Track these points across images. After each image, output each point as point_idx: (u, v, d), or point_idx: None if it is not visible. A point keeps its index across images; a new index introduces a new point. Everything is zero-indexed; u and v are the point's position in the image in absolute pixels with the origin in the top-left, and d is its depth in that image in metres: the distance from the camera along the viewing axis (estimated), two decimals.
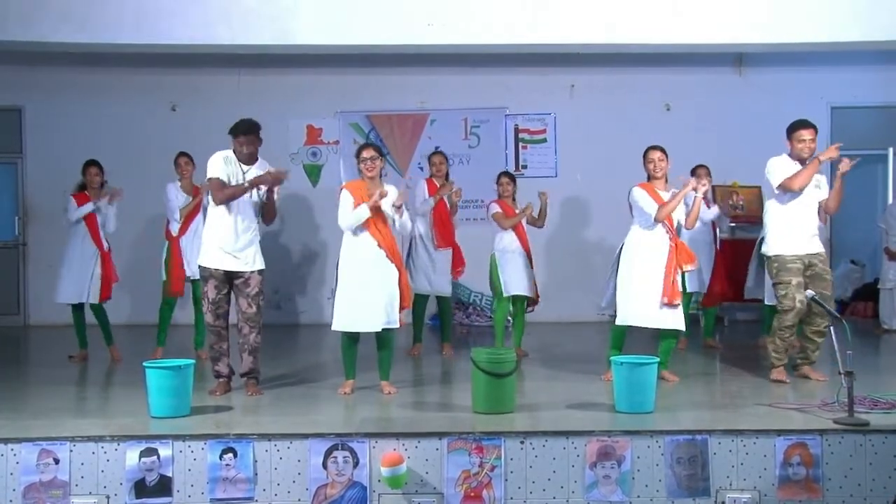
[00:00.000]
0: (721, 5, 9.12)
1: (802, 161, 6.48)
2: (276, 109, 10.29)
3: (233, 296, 6.27)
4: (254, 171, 6.18)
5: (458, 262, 8.21)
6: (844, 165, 6.46)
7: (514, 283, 7.77)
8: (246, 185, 6.08)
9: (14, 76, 10.46)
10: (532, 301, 7.96)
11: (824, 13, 9.06)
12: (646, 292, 6.43)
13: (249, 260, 6.18)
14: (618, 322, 6.60)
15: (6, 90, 10.53)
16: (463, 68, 10.41)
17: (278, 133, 10.37)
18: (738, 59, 10.59)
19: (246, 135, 6.16)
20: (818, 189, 6.59)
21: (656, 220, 6.44)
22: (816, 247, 6.58)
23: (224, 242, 6.13)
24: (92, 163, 7.98)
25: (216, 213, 6.15)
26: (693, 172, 8.20)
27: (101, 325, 7.97)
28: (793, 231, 6.52)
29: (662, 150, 6.58)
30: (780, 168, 6.52)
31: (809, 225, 6.57)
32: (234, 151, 6.19)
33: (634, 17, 9.10)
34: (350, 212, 6.11)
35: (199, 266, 6.24)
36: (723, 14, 9.11)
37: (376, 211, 6.11)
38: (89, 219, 7.86)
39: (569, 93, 10.73)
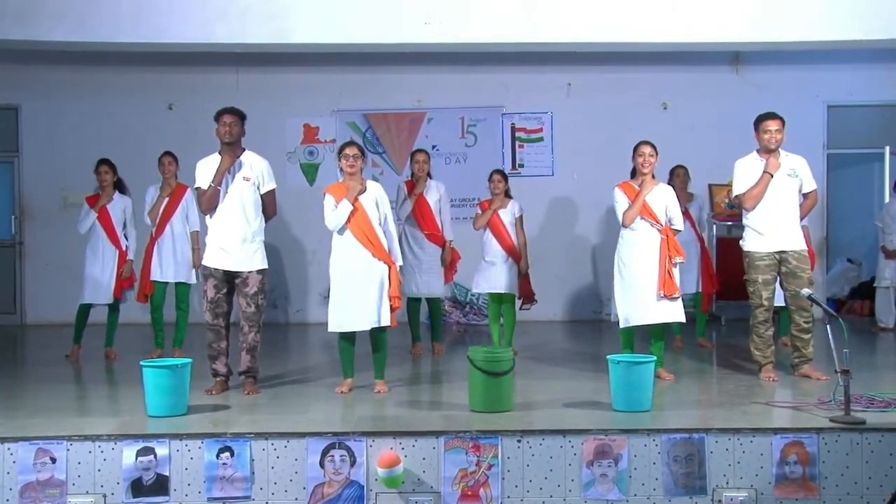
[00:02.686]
0: (718, 4, 9.13)
1: (769, 153, 6.50)
2: (272, 108, 10.29)
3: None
4: (246, 166, 6.19)
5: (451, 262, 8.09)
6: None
7: (482, 280, 7.75)
8: (212, 184, 6.07)
9: (10, 75, 10.45)
10: (526, 300, 7.86)
11: (821, 12, 9.08)
12: (643, 290, 6.45)
13: (248, 259, 6.18)
14: (621, 325, 6.61)
15: (2, 89, 10.52)
16: (460, 67, 10.41)
17: (275, 132, 10.39)
18: (734, 57, 10.59)
19: (227, 114, 6.16)
20: (792, 178, 6.52)
21: (623, 226, 6.56)
22: (792, 244, 6.51)
23: (222, 241, 6.14)
24: (102, 161, 7.97)
25: (215, 214, 6.17)
26: (671, 173, 8.22)
27: (110, 324, 7.99)
28: (764, 227, 6.50)
29: (653, 146, 6.60)
30: (741, 175, 6.57)
31: (784, 220, 6.50)
32: (218, 136, 6.17)
33: (631, 16, 9.11)
34: (332, 212, 6.14)
35: (202, 265, 6.25)
36: (720, 12, 9.12)
37: (357, 210, 6.11)
38: (103, 219, 7.85)
39: (565, 91, 10.73)
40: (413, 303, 8.05)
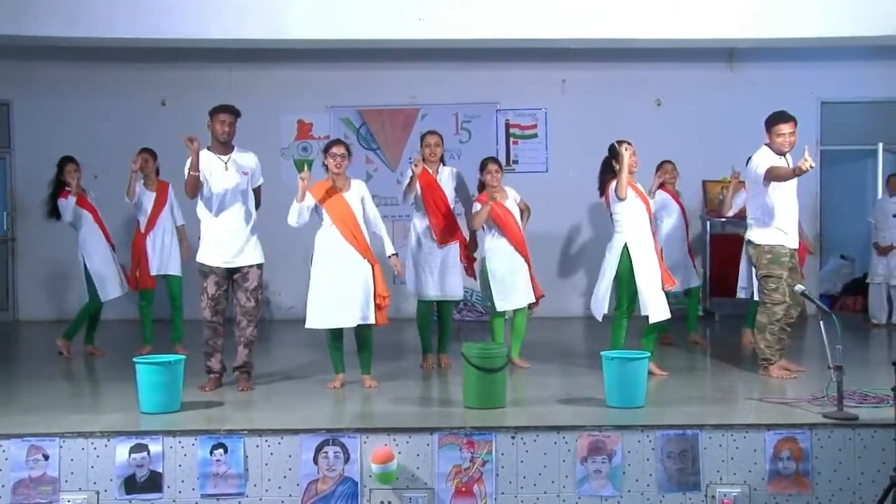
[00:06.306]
0: (713, 1, 9.12)
1: (782, 155, 6.49)
2: (266, 104, 10.26)
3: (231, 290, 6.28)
4: (233, 161, 6.21)
5: (465, 257, 7.19)
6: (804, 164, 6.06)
7: (507, 296, 6.98)
8: (192, 172, 6.04)
9: (3, 70, 10.39)
10: (538, 301, 7.25)
11: (815, 9, 9.08)
12: (654, 285, 6.48)
13: (249, 253, 6.21)
14: (653, 319, 6.46)
15: None
16: (454, 63, 10.39)
17: (269, 128, 10.35)
18: (729, 54, 10.60)
19: (225, 112, 6.17)
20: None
21: (619, 197, 6.46)
22: (796, 242, 6.66)
23: (224, 237, 6.14)
24: (69, 159, 7.90)
25: (215, 210, 6.16)
26: (658, 168, 8.22)
27: (93, 321, 7.97)
28: (787, 226, 6.52)
29: (629, 143, 6.57)
30: (766, 160, 6.46)
31: (796, 219, 6.64)
32: (213, 134, 6.19)
33: (626, 12, 9.10)
34: (293, 208, 6.18)
35: (199, 263, 6.23)
36: (714, 9, 9.11)
37: (339, 205, 6.16)
38: (95, 214, 7.84)
39: (560, 88, 10.72)
40: (423, 306, 7.13)
